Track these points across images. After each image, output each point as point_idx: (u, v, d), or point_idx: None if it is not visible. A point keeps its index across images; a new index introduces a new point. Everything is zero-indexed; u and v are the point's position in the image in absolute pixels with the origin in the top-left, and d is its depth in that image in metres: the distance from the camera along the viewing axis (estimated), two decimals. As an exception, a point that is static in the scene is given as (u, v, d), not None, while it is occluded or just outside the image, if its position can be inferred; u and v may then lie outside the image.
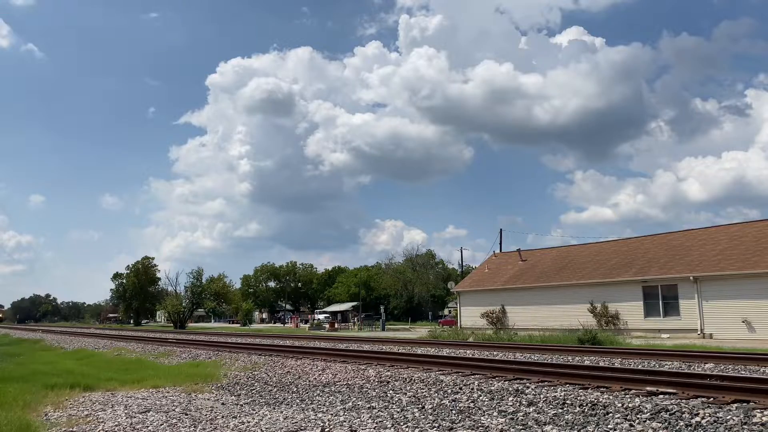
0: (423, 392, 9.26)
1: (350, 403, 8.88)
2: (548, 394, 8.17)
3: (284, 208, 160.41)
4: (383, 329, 48.50)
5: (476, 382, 9.58)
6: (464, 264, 68.10)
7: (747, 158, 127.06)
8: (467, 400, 8.37)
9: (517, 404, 7.87)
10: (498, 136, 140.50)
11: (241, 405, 9.27)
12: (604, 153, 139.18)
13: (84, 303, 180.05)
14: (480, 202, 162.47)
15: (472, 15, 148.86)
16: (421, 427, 6.92)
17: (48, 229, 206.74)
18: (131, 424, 7.59)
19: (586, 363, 12.76)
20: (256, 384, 11.79)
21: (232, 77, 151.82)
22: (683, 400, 7.18)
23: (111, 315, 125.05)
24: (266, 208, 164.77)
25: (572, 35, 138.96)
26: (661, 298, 27.40)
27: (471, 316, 35.99)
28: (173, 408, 8.79)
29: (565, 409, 7.39)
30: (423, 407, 8.25)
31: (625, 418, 6.65)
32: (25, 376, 12.91)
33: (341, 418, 7.57)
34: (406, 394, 9.30)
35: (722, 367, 11.51)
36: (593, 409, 7.18)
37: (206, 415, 8.09)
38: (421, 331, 39.55)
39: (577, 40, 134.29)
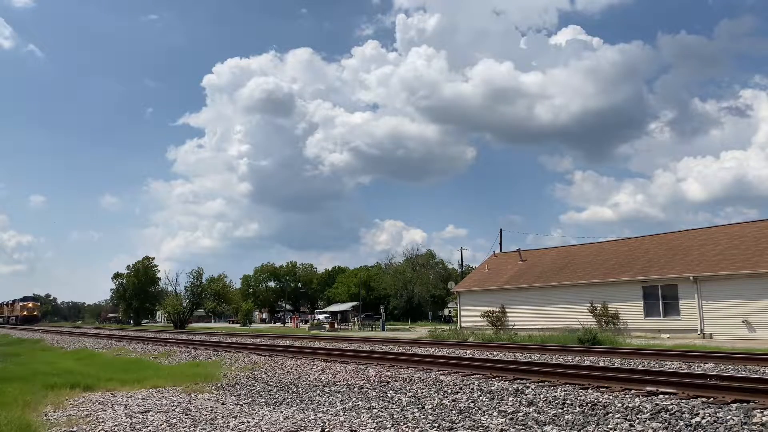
0: (423, 392, 9.26)
1: (350, 403, 8.87)
2: (548, 394, 8.17)
3: (284, 208, 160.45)
4: (383, 329, 48.46)
5: (476, 382, 9.57)
6: (464, 264, 68.26)
7: (746, 158, 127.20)
8: (467, 400, 8.37)
9: (517, 404, 7.87)
10: (499, 135, 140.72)
11: (241, 405, 9.27)
12: (603, 153, 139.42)
13: (84, 303, 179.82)
14: (480, 202, 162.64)
15: (469, 15, 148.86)
16: (421, 427, 6.92)
17: (48, 229, 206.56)
18: (131, 424, 7.59)
19: (586, 363, 12.76)
20: (256, 384, 11.78)
21: (230, 78, 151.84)
22: (683, 400, 7.18)
23: (111, 315, 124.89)
24: (266, 208, 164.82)
25: (569, 35, 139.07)
26: (661, 298, 27.40)
27: (471, 316, 35.99)
28: (173, 408, 8.79)
29: (565, 409, 7.39)
30: (423, 407, 8.25)
31: (625, 418, 6.65)
32: (25, 376, 12.89)
33: (341, 418, 7.56)
34: (406, 394, 9.30)
35: (722, 367, 11.51)
36: (593, 409, 7.18)
37: (206, 415, 8.09)
38: (421, 331, 39.53)
39: (575, 40, 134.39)
